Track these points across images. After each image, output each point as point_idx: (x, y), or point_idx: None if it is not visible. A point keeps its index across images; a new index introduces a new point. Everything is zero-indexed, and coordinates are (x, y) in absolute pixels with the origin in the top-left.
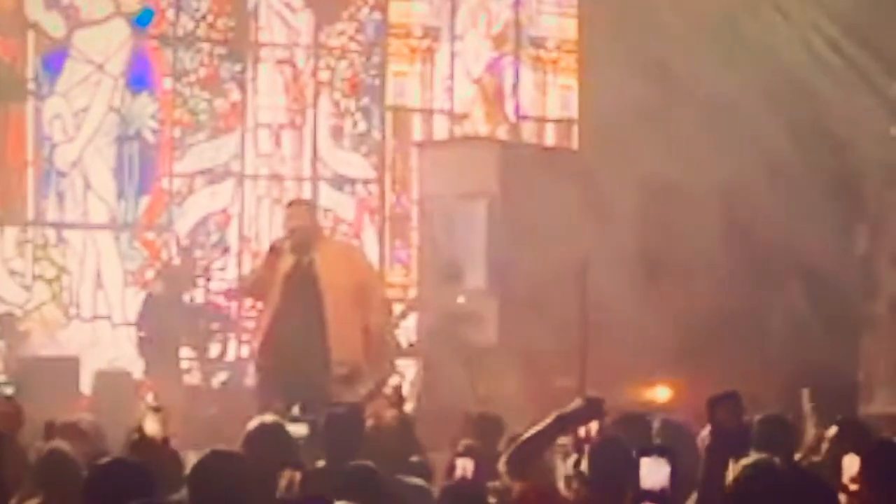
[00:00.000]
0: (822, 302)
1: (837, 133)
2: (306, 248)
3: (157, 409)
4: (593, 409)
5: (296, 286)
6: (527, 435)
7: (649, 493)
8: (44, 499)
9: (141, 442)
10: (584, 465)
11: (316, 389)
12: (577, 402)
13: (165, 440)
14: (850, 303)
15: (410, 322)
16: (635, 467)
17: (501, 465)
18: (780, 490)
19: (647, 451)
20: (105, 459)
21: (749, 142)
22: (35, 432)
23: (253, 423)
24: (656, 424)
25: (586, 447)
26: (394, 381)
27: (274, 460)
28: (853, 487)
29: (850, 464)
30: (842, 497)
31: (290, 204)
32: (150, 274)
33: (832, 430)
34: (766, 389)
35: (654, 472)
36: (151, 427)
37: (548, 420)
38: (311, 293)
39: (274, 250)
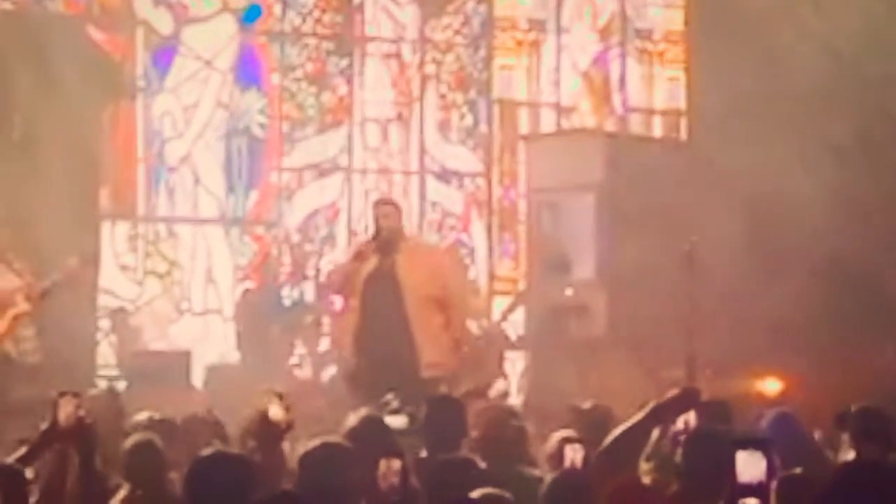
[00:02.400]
0: None
1: None
2: (390, 249)
3: (281, 396)
4: (689, 398)
5: (376, 288)
6: (623, 427)
7: (747, 488)
8: (130, 490)
9: (262, 425)
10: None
11: (408, 387)
12: (673, 392)
13: (289, 424)
14: None
15: (519, 315)
16: (731, 460)
17: (599, 457)
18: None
19: (744, 444)
20: (208, 451)
21: (857, 128)
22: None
23: (353, 418)
24: (768, 416)
25: (682, 438)
26: (500, 386)
27: (375, 452)
28: None
29: None
30: None
31: (379, 203)
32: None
33: None
34: (884, 387)
35: (750, 466)
36: (275, 412)
37: (644, 411)
38: (392, 295)
39: (361, 255)
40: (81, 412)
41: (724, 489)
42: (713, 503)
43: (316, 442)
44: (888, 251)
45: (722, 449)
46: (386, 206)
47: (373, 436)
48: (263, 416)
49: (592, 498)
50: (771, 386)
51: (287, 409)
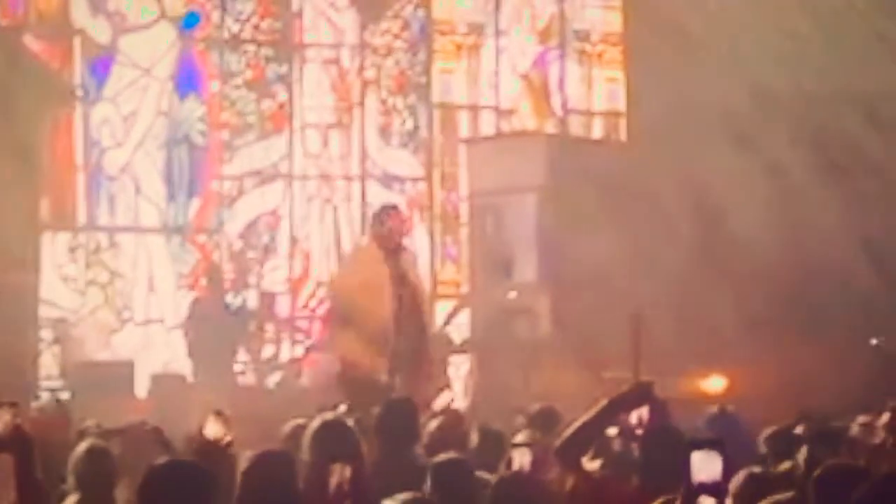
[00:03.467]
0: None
1: None
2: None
3: (218, 414)
4: (643, 393)
5: (403, 298)
6: (578, 423)
7: (704, 486)
8: (80, 497)
9: (201, 445)
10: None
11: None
12: (627, 387)
13: (228, 443)
14: None
15: (463, 319)
16: (688, 457)
17: (554, 455)
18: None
19: (699, 444)
20: (163, 460)
21: (803, 125)
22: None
23: (316, 422)
24: (708, 415)
25: (638, 433)
26: (445, 398)
27: (336, 457)
28: None
29: None
30: None
31: (384, 210)
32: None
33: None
34: (828, 383)
35: (706, 466)
36: (212, 430)
37: (598, 406)
38: (415, 304)
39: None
40: (18, 421)
41: (681, 484)
42: (673, 497)
43: (257, 451)
44: (823, 255)
45: (679, 444)
46: (388, 213)
47: (333, 440)
48: (201, 435)
49: (535, 501)
50: (715, 384)
51: (226, 425)
